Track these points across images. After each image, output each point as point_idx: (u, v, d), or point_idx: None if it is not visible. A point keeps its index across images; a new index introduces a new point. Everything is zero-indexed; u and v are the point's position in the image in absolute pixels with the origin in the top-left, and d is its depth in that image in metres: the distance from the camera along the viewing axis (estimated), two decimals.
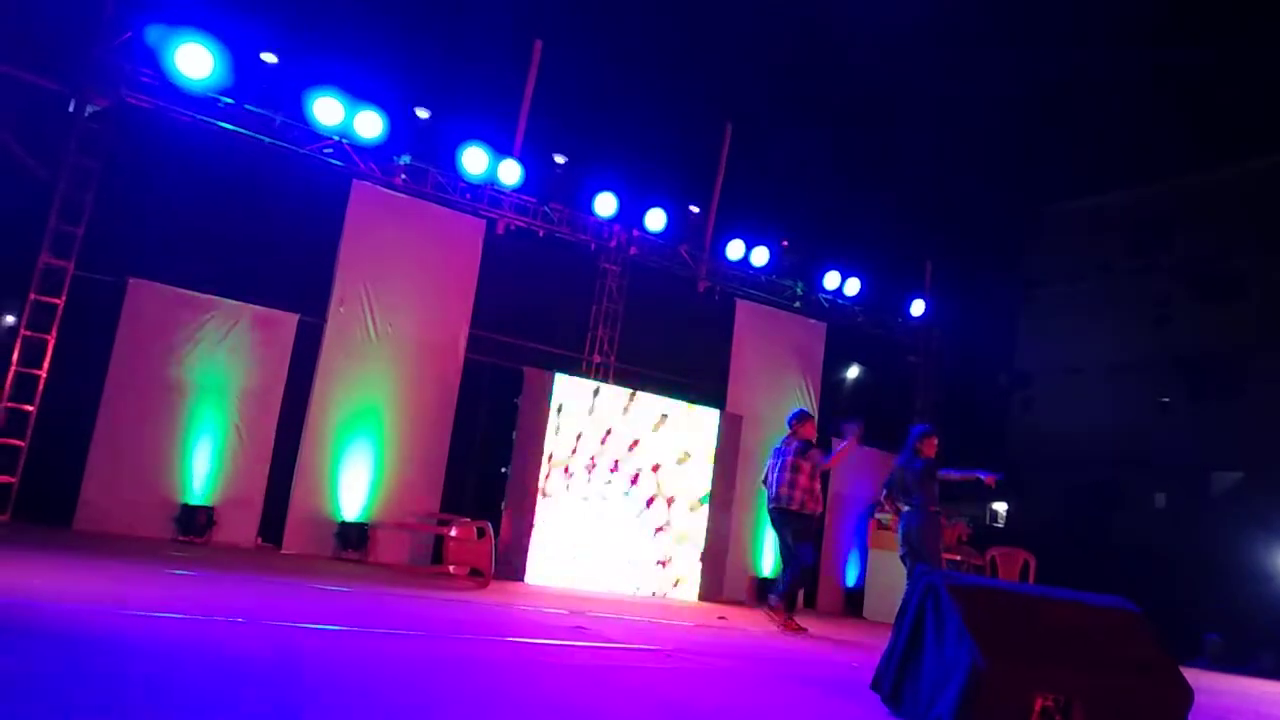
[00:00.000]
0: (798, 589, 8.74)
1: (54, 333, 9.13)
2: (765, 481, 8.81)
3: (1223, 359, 17.20)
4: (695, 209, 13.15)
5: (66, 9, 9.52)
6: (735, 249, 13.31)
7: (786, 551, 8.67)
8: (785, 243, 13.85)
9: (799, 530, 8.53)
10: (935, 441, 8.62)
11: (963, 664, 3.58)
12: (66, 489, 9.00)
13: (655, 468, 11.68)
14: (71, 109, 9.44)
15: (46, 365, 9.08)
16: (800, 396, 13.79)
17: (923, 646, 3.85)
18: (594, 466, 11.27)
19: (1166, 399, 18.04)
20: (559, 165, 12.01)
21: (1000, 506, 20.88)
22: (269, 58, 10.26)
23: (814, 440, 8.81)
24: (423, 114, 11.13)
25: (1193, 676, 4.48)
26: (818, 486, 8.64)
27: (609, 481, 11.35)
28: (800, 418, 8.96)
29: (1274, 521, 13.75)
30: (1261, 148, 16.78)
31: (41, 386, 9.06)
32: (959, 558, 12.25)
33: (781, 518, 8.58)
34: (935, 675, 3.74)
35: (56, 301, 9.15)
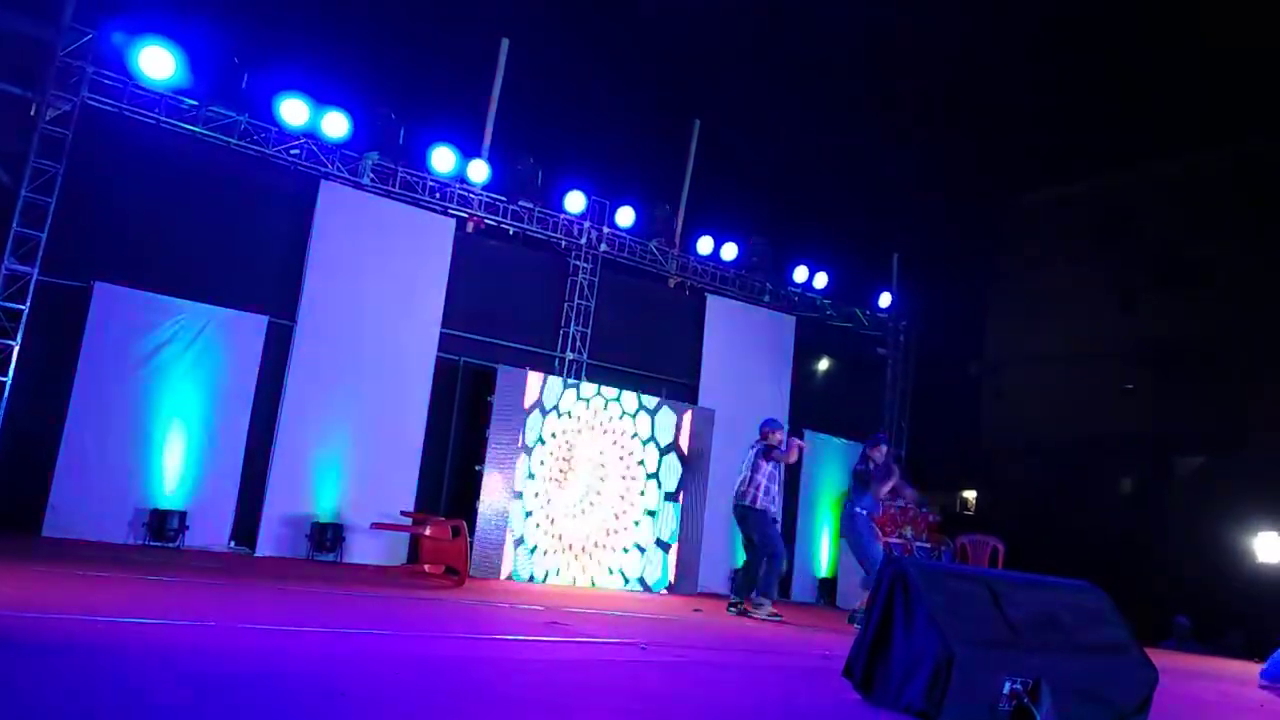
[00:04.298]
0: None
1: (19, 338, 9.04)
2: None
3: (1188, 345, 17.45)
4: (665, 206, 13.19)
5: (26, 11, 9.41)
6: (705, 244, 13.39)
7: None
8: (754, 239, 13.93)
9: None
10: (881, 449, 9.51)
11: (931, 650, 3.65)
12: (34, 495, 8.91)
13: (629, 463, 11.73)
14: (33, 112, 9.33)
15: (12, 371, 8.98)
16: (771, 390, 13.88)
17: (892, 633, 3.92)
18: (568, 463, 11.30)
19: (1130, 385, 18.28)
20: (528, 163, 12.00)
21: (970, 494, 21.06)
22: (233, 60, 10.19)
23: (769, 446, 9.30)
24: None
25: (1162, 657, 4.58)
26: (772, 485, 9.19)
27: (583, 477, 11.38)
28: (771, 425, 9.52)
29: (1236, 503, 13.99)
30: (1229, 135, 17.03)
31: (7, 393, 8.96)
32: (930, 545, 12.40)
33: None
34: (905, 661, 3.80)
35: (21, 307, 9.05)
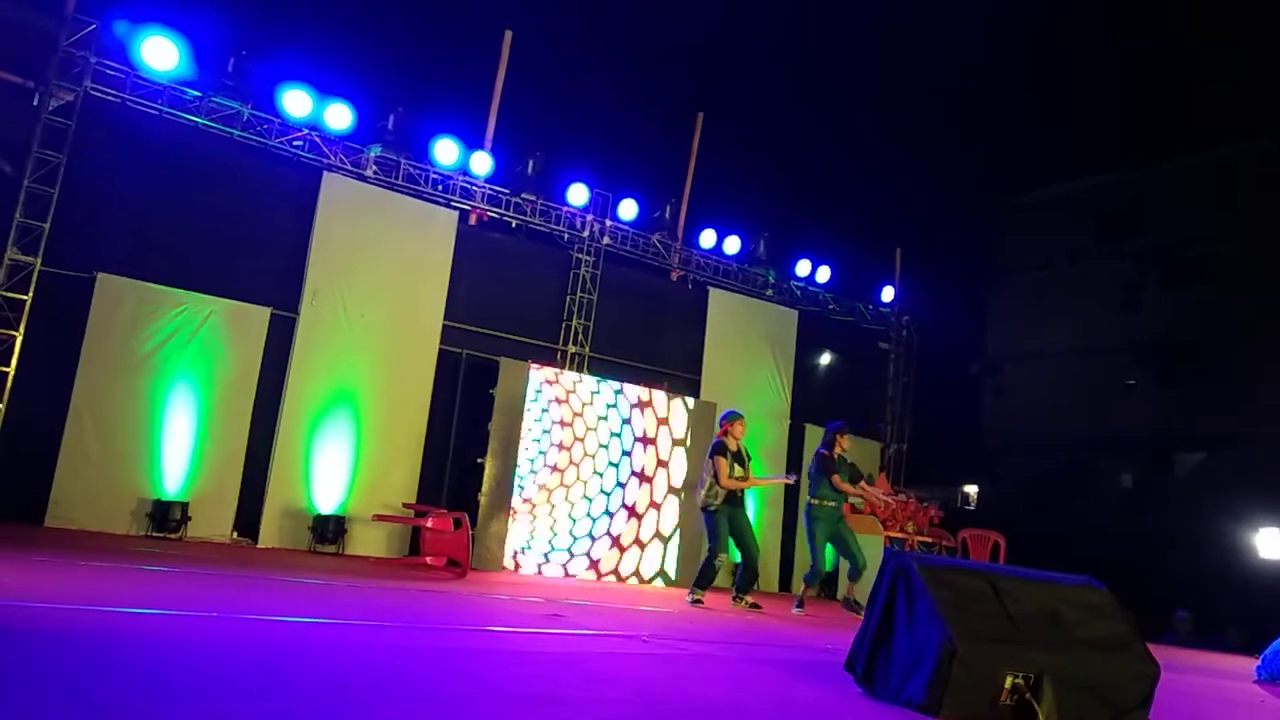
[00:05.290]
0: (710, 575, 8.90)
1: (22, 329, 9.04)
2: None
3: (1188, 343, 17.45)
4: (665, 215, 13.15)
5: (29, 1, 9.40)
6: (708, 238, 13.38)
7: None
8: (757, 233, 13.91)
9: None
10: (843, 440, 9.19)
11: (933, 644, 3.64)
12: (37, 486, 8.93)
13: (631, 456, 11.72)
14: (36, 102, 9.33)
15: (15, 362, 8.99)
16: (773, 384, 13.89)
17: (894, 627, 3.91)
18: (570, 456, 11.30)
19: (1132, 381, 18.27)
20: (531, 156, 11.99)
21: (971, 489, 21.06)
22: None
23: (720, 442, 8.96)
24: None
25: (1162, 653, 4.57)
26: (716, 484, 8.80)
27: (584, 470, 11.38)
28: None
29: (1237, 499, 13.98)
30: (1229, 134, 17.03)
31: (10, 383, 8.97)
32: (931, 540, 12.39)
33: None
34: (907, 656, 3.79)
35: (24, 297, 9.06)
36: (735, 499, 8.86)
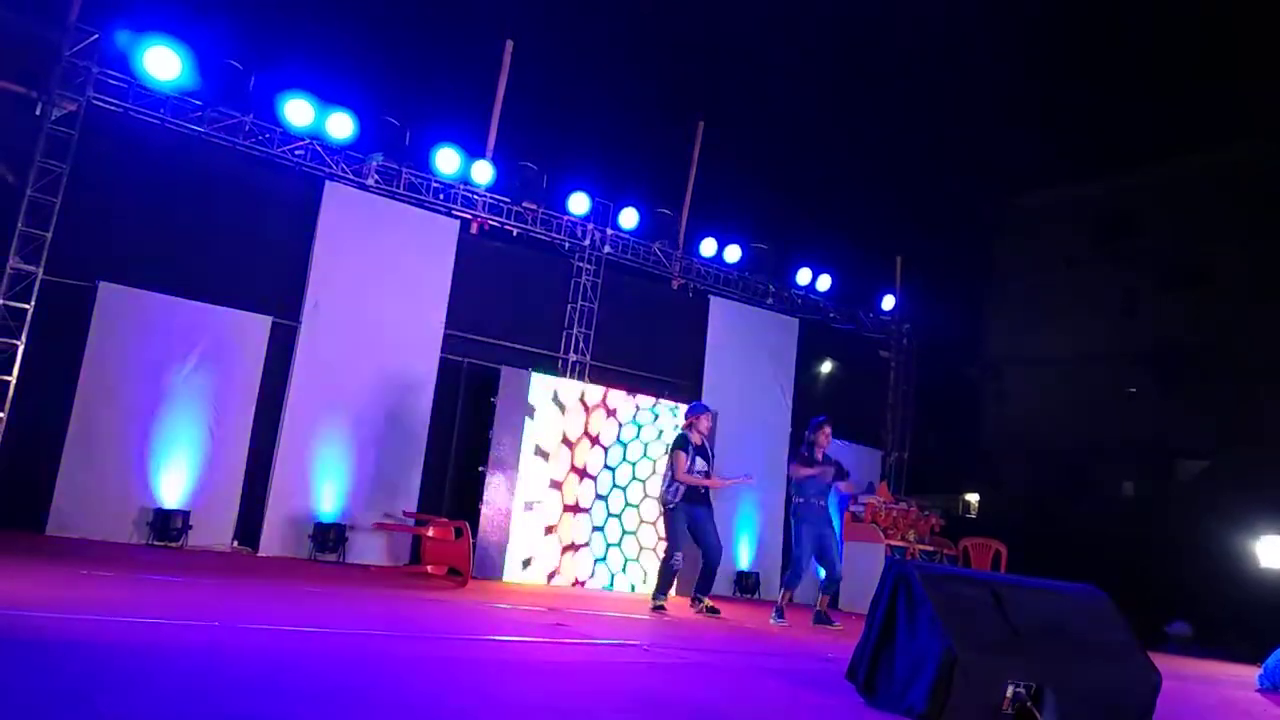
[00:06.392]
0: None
1: (23, 338, 9.05)
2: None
3: (1189, 348, 17.45)
4: (667, 212, 13.18)
5: (31, 11, 9.43)
6: (708, 246, 13.40)
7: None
8: (757, 241, 13.93)
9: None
10: (821, 435, 8.88)
11: (934, 652, 3.65)
12: (39, 494, 8.92)
13: (631, 464, 11.73)
14: (38, 112, 9.35)
15: (16, 371, 8.99)
16: (774, 392, 13.89)
17: (895, 636, 3.92)
18: (571, 464, 11.30)
19: (1133, 389, 18.25)
20: (532, 165, 12.02)
21: (973, 498, 21.04)
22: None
23: (683, 435, 8.80)
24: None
25: (1164, 661, 4.57)
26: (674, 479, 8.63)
27: (586, 478, 11.38)
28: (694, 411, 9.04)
29: (1238, 507, 13.96)
30: (1230, 138, 17.06)
31: (12, 392, 8.97)
32: (933, 548, 12.39)
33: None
34: (908, 664, 3.80)
35: (26, 306, 9.07)
36: (698, 496, 8.60)
